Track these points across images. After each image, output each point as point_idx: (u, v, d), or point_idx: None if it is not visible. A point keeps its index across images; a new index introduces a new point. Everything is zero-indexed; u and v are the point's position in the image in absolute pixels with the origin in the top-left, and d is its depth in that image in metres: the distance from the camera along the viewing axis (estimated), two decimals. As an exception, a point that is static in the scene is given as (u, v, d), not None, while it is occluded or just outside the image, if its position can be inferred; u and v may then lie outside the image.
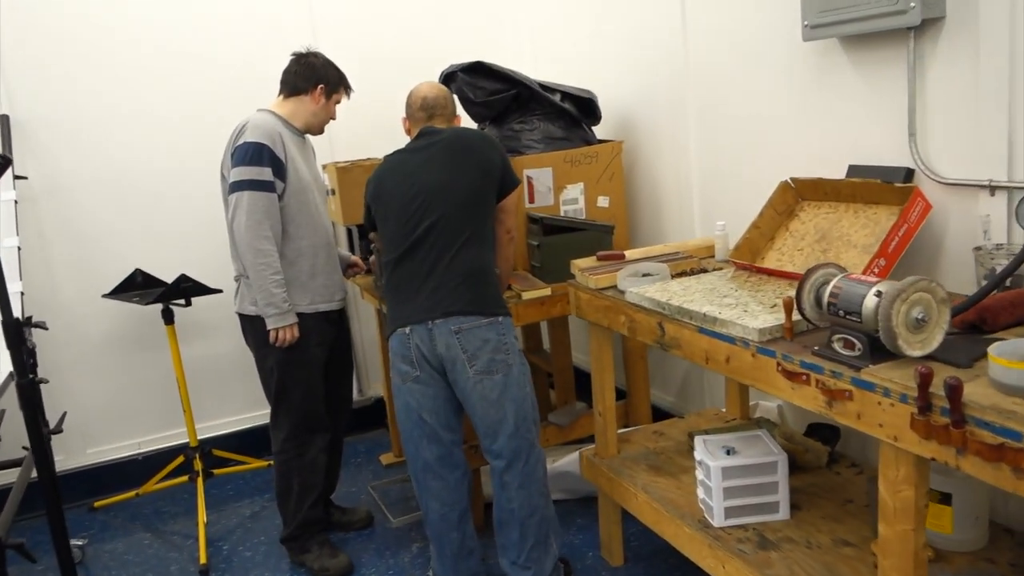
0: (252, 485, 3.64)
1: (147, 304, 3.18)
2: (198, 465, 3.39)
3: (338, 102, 2.87)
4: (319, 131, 2.89)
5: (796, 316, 1.81)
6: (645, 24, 3.21)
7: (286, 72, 2.80)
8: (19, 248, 3.01)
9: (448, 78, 3.13)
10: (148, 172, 3.55)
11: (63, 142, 3.41)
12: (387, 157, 2.55)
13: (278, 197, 2.64)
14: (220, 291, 3.26)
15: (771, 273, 2.30)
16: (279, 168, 2.63)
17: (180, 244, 3.61)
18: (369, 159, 3.66)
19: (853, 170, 2.36)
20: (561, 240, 3.00)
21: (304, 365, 2.77)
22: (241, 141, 2.61)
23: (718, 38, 2.84)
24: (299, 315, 2.71)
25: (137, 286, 3.35)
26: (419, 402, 2.43)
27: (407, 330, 2.39)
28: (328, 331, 2.87)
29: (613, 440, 2.64)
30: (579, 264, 2.64)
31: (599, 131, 3.38)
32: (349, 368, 3.12)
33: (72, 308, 3.49)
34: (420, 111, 2.55)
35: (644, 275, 2.45)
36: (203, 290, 3.22)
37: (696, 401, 3.34)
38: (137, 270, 3.36)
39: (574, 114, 3.18)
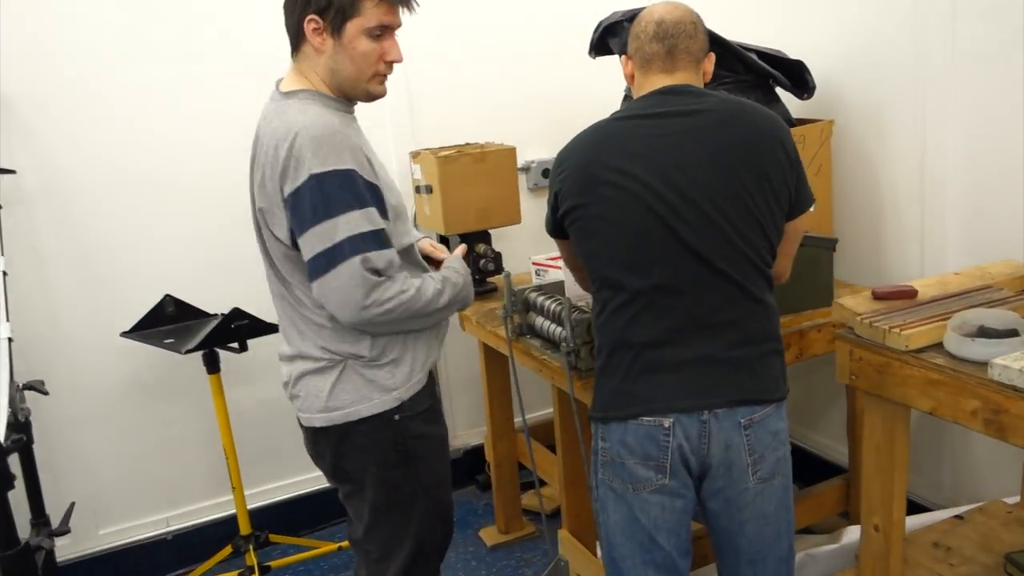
0: (315, 575, 2.78)
1: (187, 352, 2.27)
2: (251, 559, 2.52)
3: (370, 31, 1.53)
4: (367, 94, 1.62)
5: None
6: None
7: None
8: (4, 273, 2.13)
9: (608, 31, 2.24)
10: (180, 170, 2.64)
11: (67, 129, 2.47)
12: (600, 126, 1.59)
13: None
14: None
15: None
16: None
17: (223, 263, 2.68)
18: (476, 144, 2.76)
19: None
20: (771, 260, 2.13)
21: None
22: None
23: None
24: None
25: (168, 319, 2.46)
26: (656, 520, 1.56)
27: (665, 423, 1.51)
28: None
29: (898, 568, 1.77)
30: (851, 306, 1.75)
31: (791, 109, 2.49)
32: None
33: (81, 349, 2.58)
34: (654, 42, 1.55)
35: (980, 329, 1.58)
36: (262, 328, 2.34)
37: (925, 472, 2.47)
38: (167, 296, 2.47)
39: (782, 81, 2.29)
